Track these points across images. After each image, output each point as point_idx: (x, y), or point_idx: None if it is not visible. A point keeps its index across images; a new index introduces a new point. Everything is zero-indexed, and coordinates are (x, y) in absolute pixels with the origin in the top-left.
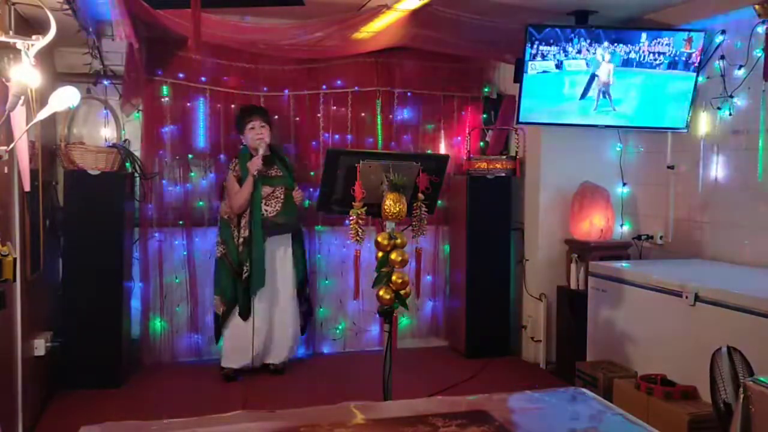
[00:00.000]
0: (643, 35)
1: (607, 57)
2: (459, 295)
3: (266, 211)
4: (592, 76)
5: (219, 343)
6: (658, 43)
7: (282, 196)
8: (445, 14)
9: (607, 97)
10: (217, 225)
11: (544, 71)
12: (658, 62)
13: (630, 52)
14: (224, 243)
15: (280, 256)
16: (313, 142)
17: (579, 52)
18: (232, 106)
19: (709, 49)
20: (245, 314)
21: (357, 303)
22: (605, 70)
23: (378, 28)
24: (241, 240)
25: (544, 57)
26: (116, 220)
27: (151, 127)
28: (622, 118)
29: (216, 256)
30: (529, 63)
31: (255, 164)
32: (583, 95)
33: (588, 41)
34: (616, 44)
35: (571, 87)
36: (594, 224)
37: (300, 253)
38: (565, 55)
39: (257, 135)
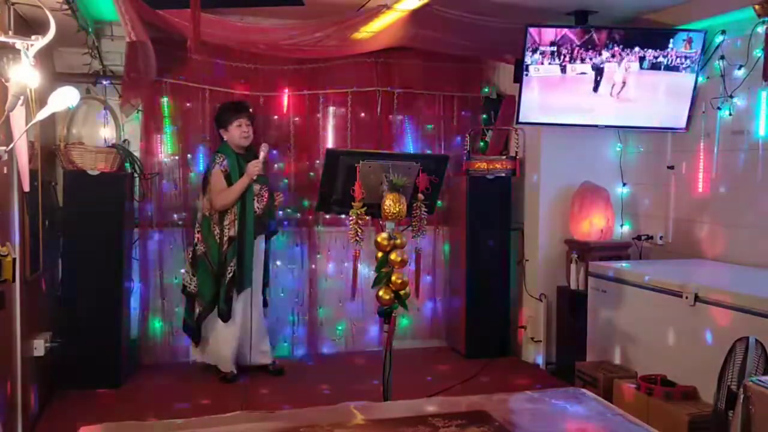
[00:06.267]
0: (643, 35)
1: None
2: (459, 296)
3: (258, 208)
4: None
5: (198, 345)
6: (658, 43)
7: (266, 195)
8: (445, 14)
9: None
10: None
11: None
12: (658, 62)
13: (630, 52)
14: (204, 241)
15: (257, 256)
16: (313, 142)
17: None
18: None
19: (709, 49)
20: (226, 316)
21: (357, 303)
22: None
23: (378, 28)
24: (226, 238)
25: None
26: (116, 220)
27: (150, 127)
28: (622, 117)
29: (192, 255)
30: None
31: (257, 168)
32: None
33: (588, 41)
34: (615, 44)
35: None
36: (594, 224)
37: (268, 254)
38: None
39: (244, 133)
